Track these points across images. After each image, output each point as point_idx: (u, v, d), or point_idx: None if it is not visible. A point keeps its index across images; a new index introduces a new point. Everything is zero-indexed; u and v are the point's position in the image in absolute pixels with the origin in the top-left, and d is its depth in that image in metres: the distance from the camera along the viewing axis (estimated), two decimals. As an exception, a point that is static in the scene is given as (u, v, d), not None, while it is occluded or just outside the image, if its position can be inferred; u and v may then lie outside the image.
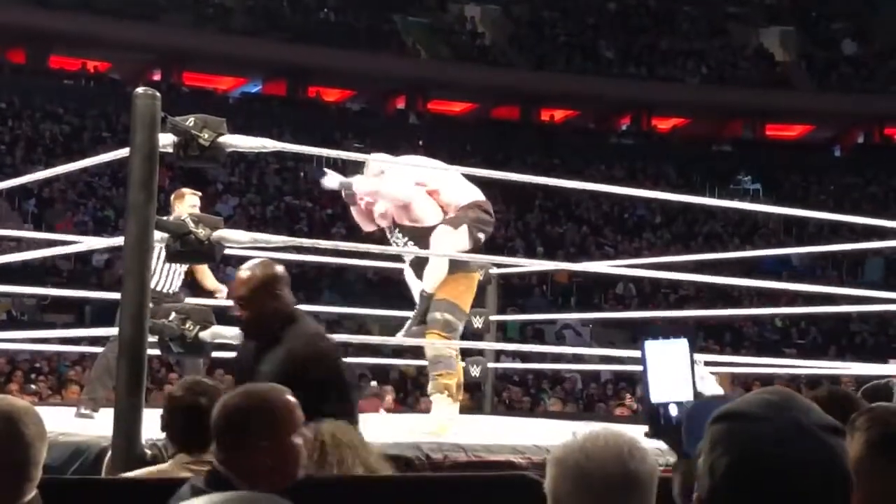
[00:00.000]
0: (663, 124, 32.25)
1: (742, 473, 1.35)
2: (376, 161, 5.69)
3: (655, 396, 1.68)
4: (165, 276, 6.34)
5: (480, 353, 7.63)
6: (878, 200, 26.30)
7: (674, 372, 1.68)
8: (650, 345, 1.69)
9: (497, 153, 25.69)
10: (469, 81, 28.91)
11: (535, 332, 19.28)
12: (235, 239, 4.53)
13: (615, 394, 15.56)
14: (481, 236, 5.61)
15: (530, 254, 21.36)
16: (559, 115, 31.51)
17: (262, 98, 29.03)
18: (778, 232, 24.85)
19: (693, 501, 1.40)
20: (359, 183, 5.67)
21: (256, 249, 6.86)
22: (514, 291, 18.69)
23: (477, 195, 5.76)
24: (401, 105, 30.16)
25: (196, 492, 2.56)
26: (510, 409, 14.49)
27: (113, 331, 4.82)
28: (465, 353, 7.80)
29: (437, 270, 5.58)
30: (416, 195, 5.61)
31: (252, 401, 2.75)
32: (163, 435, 4.06)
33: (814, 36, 32.62)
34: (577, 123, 31.40)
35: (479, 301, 8.06)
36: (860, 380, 15.71)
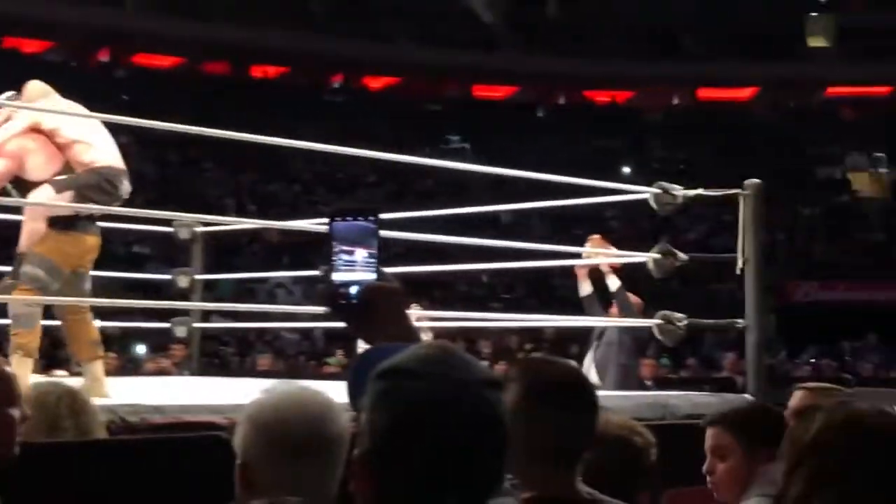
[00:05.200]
0: (375, 83, 32.45)
1: (402, 430, 1.36)
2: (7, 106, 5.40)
3: (338, 276, 1.66)
4: None
5: (186, 313, 7.46)
6: (579, 160, 27.38)
7: (359, 253, 1.67)
8: (338, 224, 1.68)
9: (207, 110, 25.19)
10: (177, 34, 28.16)
11: (246, 292, 19.11)
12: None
13: (326, 351, 15.63)
14: (93, 205, 5.31)
15: (242, 212, 21.12)
16: (271, 71, 31.18)
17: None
18: (487, 190, 25.49)
19: (355, 458, 1.40)
20: None
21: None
22: (224, 250, 18.43)
23: (106, 160, 5.43)
24: (104, 58, 29.07)
25: None
26: (222, 368, 14.34)
27: None
28: (171, 314, 7.63)
29: (31, 230, 5.35)
30: (20, 151, 5.32)
31: None
32: None
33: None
34: (288, 80, 31.16)
35: (184, 260, 7.89)
36: (560, 332, 16.35)
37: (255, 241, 21.68)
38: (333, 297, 1.67)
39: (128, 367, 12.41)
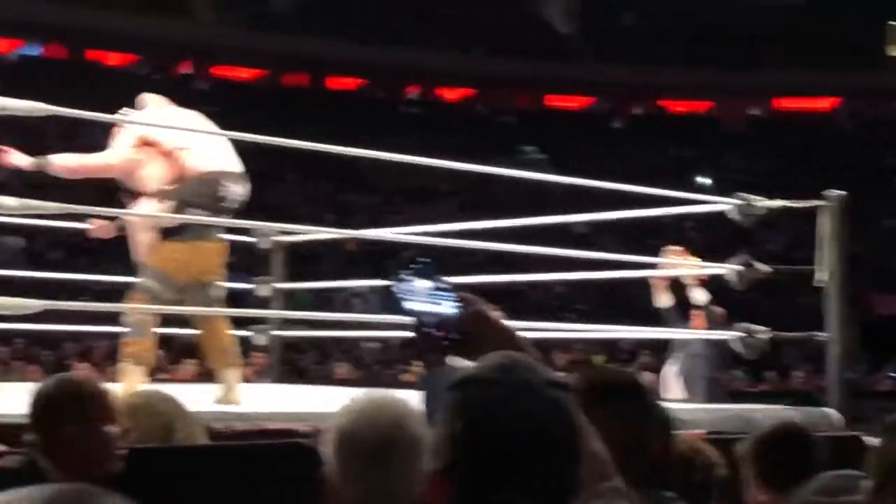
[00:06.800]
0: (450, 94, 32.53)
1: (478, 436, 1.39)
2: (125, 121, 5.53)
3: (412, 306, 1.73)
4: None
5: (265, 321, 7.56)
6: (654, 170, 27.18)
7: (427, 291, 1.75)
8: (398, 286, 1.75)
9: (286, 121, 25.44)
10: (258, 48, 28.48)
11: (324, 300, 19.25)
12: (3, 205, 4.33)
13: (402, 360, 15.67)
14: (199, 211, 5.33)
15: (319, 222, 21.25)
16: (349, 83, 31.40)
17: (43, 61, 27.93)
18: (562, 201, 25.42)
19: (431, 470, 1.42)
20: (57, 160, 5.57)
21: (28, 217, 6.60)
22: (303, 260, 18.59)
23: (209, 164, 5.46)
24: (187, 70, 29.49)
25: (7, 476, 2.52)
26: (301, 376, 14.43)
27: None
28: (248, 322, 7.73)
29: (141, 241, 5.45)
30: (128, 164, 5.47)
31: (64, 388, 2.71)
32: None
33: (594, 7, 33.36)
34: (366, 92, 31.35)
35: (264, 269, 7.99)
36: (639, 343, 16.16)
37: (333, 251, 21.83)
38: (430, 340, 1.70)
39: (209, 374, 12.55)
